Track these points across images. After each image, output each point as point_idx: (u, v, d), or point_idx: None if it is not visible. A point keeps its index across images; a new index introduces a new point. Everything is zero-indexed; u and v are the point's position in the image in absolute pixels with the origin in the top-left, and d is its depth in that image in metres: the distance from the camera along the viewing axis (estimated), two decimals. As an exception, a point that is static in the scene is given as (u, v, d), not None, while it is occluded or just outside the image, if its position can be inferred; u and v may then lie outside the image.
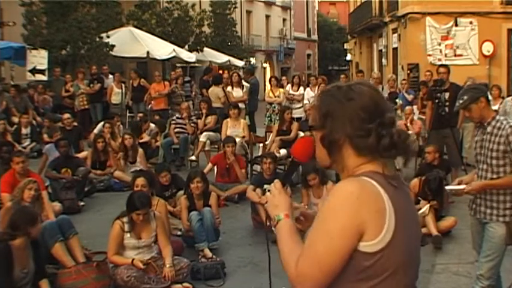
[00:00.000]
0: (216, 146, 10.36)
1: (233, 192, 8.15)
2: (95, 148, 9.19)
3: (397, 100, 12.34)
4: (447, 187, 4.06)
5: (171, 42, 19.49)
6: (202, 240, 5.72)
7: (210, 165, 8.65)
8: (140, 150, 9.59)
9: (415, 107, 11.68)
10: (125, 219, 5.03)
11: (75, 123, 11.25)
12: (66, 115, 10.95)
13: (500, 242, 3.86)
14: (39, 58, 14.24)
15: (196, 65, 22.40)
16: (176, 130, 10.64)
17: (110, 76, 14.93)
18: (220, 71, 19.43)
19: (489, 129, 3.87)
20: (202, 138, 10.19)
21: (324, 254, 1.59)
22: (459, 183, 4.08)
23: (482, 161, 3.93)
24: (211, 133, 10.39)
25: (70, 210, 7.13)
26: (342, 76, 13.62)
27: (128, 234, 5.00)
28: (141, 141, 10.76)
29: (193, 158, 10.26)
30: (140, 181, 5.69)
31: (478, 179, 3.98)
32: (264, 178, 7.03)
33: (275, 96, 12.53)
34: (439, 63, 16.89)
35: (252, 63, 29.36)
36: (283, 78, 23.64)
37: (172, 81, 14.65)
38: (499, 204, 3.85)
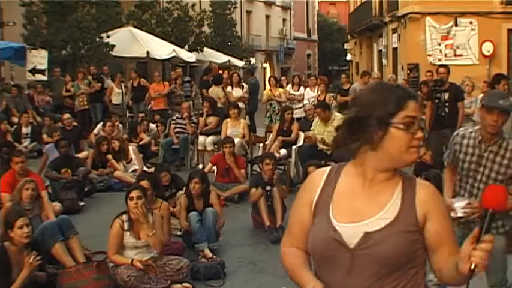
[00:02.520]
0: (217, 146, 10.36)
1: (233, 192, 8.15)
2: (99, 150, 9.18)
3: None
4: (456, 205, 3.51)
5: (171, 42, 19.49)
6: (202, 241, 5.72)
7: (210, 165, 8.66)
8: (133, 148, 9.60)
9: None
10: (124, 217, 5.03)
11: (75, 123, 11.26)
12: (66, 115, 10.96)
13: (503, 253, 3.68)
14: (39, 58, 14.23)
15: (196, 64, 22.41)
16: (176, 130, 10.64)
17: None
18: (220, 71, 19.44)
19: (495, 147, 3.49)
20: (208, 145, 10.14)
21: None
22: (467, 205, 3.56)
23: (479, 180, 3.56)
24: (214, 137, 10.31)
25: (70, 210, 7.12)
26: (343, 76, 13.63)
27: (128, 233, 5.00)
28: (141, 143, 10.78)
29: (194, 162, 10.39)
30: (144, 184, 5.66)
31: (472, 197, 3.61)
32: (263, 179, 7.01)
33: (274, 96, 12.52)
34: (439, 63, 16.90)
35: (252, 63, 29.35)
36: (283, 78, 23.64)
37: (172, 81, 14.66)
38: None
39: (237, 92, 12.44)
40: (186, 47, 21.91)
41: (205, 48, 23.24)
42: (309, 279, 1.79)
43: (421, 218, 1.77)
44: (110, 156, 9.18)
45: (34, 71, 14.17)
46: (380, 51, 25.16)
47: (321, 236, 1.81)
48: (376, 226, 1.74)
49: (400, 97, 1.78)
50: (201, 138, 10.31)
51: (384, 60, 23.99)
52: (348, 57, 37.26)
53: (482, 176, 3.54)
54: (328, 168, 1.95)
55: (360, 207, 1.80)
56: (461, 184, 3.69)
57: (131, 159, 9.40)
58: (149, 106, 13.91)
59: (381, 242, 1.72)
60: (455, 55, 19.13)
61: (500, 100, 3.38)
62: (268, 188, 6.82)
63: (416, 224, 1.76)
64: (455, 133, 3.73)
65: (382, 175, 1.83)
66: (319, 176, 1.94)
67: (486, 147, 3.52)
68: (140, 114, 12.80)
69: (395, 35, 21.91)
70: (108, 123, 10.55)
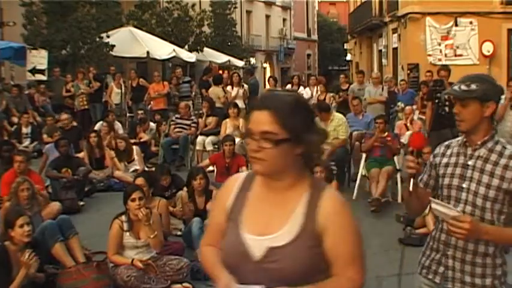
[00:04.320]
0: (217, 146, 10.36)
1: (233, 192, 8.14)
2: (88, 143, 9.23)
3: (398, 103, 12.36)
4: (433, 205, 2.43)
5: (171, 42, 19.48)
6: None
7: (207, 161, 8.66)
8: (136, 148, 9.61)
9: (415, 106, 11.70)
10: (124, 217, 5.04)
11: (75, 123, 11.26)
12: (64, 116, 10.98)
13: None
14: (39, 58, 14.24)
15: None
16: (176, 130, 10.64)
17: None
18: (220, 71, 19.45)
19: (483, 151, 2.50)
20: (208, 145, 10.10)
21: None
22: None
23: (464, 200, 2.51)
24: (213, 137, 10.31)
25: (70, 210, 7.12)
26: (341, 76, 13.63)
27: (127, 233, 5.01)
28: (141, 140, 10.80)
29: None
30: (139, 181, 5.71)
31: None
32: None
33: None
34: (439, 63, 16.93)
35: (252, 63, 29.33)
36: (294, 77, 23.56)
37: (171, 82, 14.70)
38: (486, 268, 2.51)
39: (234, 92, 12.47)
40: (186, 47, 21.90)
41: (205, 48, 23.22)
42: (223, 275, 1.79)
43: (320, 233, 1.73)
44: (112, 153, 9.20)
45: (34, 71, 14.17)
46: (380, 51, 25.17)
47: (229, 245, 1.81)
48: (281, 241, 1.72)
49: (251, 106, 1.82)
50: (200, 138, 10.30)
51: (384, 60, 23.99)
52: (348, 57, 37.28)
53: (467, 194, 2.50)
54: (245, 174, 1.90)
55: (267, 218, 1.77)
56: None
57: (133, 159, 9.41)
58: (149, 106, 13.92)
59: (284, 258, 1.71)
60: (455, 55, 19.13)
61: (458, 85, 2.52)
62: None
63: (317, 238, 1.73)
64: (442, 144, 2.73)
65: (279, 183, 1.79)
66: (234, 181, 1.91)
67: (472, 153, 2.53)
68: (139, 112, 12.77)
69: (395, 35, 21.91)
70: (104, 124, 10.61)
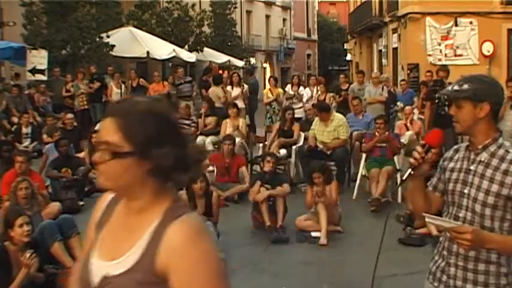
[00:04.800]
0: (217, 146, 10.36)
1: (233, 192, 8.14)
2: (90, 143, 9.23)
3: (398, 103, 12.37)
4: (427, 219, 2.40)
5: (171, 42, 19.49)
6: None
7: (207, 161, 8.65)
8: None
9: (414, 105, 11.72)
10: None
11: (75, 124, 11.28)
12: (69, 115, 10.98)
13: None
14: (39, 58, 14.24)
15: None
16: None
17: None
18: (220, 71, 19.45)
19: (484, 156, 2.42)
20: (208, 146, 10.12)
21: None
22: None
23: (464, 207, 2.44)
24: (213, 137, 10.32)
25: (70, 210, 7.10)
26: (341, 76, 13.64)
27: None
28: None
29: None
30: None
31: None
32: (263, 176, 7.04)
33: (273, 96, 12.53)
34: (439, 63, 16.93)
35: (252, 63, 29.34)
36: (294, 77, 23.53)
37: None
38: (489, 276, 2.38)
39: (235, 92, 12.47)
40: (186, 47, 21.91)
41: (205, 48, 23.24)
42: None
43: (162, 269, 1.46)
44: None
45: (34, 71, 14.18)
46: (380, 51, 25.18)
47: (80, 265, 1.64)
48: (115, 271, 1.51)
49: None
50: (200, 138, 10.30)
51: (384, 60, 24.00)
52: (348, 57, 37.31)
53: (468, 200, 2.42)
54: None
55: (118, 242, 1.56)
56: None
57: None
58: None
59: None
60: (455, 55, 19.14)
61: (452, 85, 2.51)
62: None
63: (157, 275, 1.46)
64: (452, 148, 2.70)
65: (134, 204, 1.56)
66: (107, 195, 1.69)
67: (474, 157, 2.45)
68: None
69: (395, 35, 21.92)
70: None
